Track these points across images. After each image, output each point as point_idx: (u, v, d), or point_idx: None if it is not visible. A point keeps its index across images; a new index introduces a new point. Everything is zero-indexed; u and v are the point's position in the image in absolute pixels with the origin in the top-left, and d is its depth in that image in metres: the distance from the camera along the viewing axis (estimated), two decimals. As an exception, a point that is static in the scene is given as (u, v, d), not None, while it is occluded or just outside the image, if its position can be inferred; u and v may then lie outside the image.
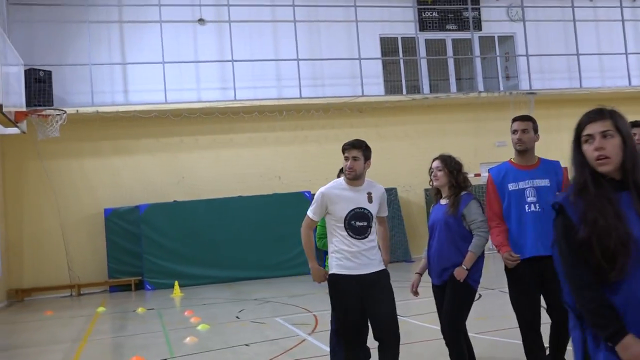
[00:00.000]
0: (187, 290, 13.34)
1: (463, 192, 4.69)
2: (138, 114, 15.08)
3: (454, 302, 4.56)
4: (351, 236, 4.37)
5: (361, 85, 16.80)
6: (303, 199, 14.47)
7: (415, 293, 4.88)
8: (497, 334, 6.59)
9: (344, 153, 4.44)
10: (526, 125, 4.45)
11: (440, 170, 4.72)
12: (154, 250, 14.29)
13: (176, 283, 13.38)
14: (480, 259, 4.62)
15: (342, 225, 4.39)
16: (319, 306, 9.28)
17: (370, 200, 4.46)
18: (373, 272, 4.38)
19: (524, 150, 4.45)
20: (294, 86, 16.43)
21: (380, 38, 17.60)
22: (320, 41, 16.99)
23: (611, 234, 2.19)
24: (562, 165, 4.28)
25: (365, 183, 4.51)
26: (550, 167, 4.47)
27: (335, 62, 16.79)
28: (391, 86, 17.66)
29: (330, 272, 4.47)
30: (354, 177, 4.43)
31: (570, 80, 18.68)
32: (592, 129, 2.34)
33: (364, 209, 4.42)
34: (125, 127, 15.30)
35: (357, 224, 4.39)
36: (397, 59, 17.78)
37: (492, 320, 7.37)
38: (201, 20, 16.20)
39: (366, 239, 4.40)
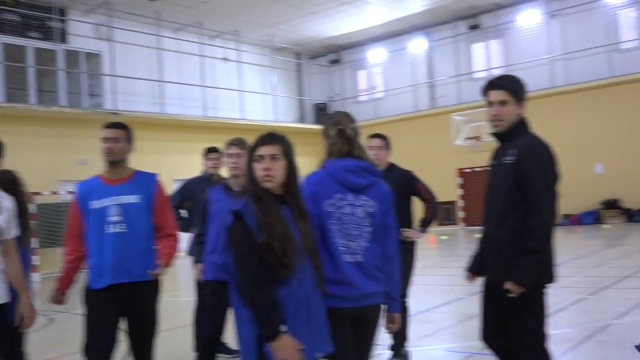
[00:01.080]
0: None
1: None
2: None
3: None
4: None
5: None
6: None
7: None
8: (68, 358, 6.28)
9: None
10: (117, 134, 3.92)
11: None
12: None
13: None
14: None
15: None
16: None
17: None
18: None
19: (114, 161, 3.90)
20: None
21: (-53, 33, 15.41)
22: None
23: (289, 238, 2.56)
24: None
25: None
26: (142, 182, 3.96)
27: None
28: (-42, 89, 15.55)
29: None
30: None
31: (154, 105, 19.45)
32: (263, 150, 2.67)
33: None
34: None
35: None
36: (-32, 60, 15.81)
37: (65, 345, 7.01)
38: None
39: None
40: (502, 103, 3.18)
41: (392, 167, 5.19)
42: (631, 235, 15.90)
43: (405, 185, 5.11)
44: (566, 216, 20.36)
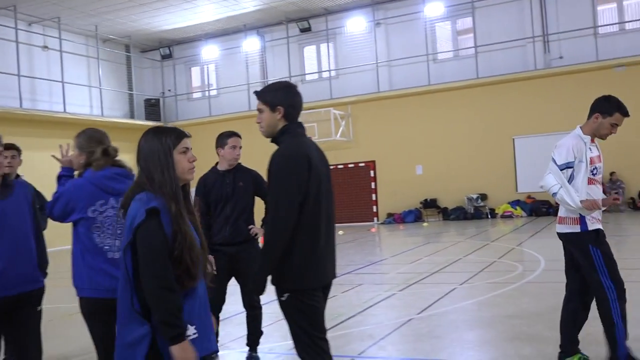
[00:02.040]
0: None
1: None
2: None
3: None
4: None
5: None
6: None
7: None
8: None
9: None
10: None
11: None
12: None
13: None
14: None
15: None
16: None
17: None
18: None
19: None
20: None
21: None
22: None
23: (195, 247, 2.54)
24: None
25: None
26: None
27: None
28: None
29: None
30: None
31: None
32: (188, 143, 2.66)
33: None
34: None
35: None
36: None
37: None
38: None
39: None
40: (260, 111, 3.34)
41: (240, 167, 5.24)
42: (446, 232, 17.14)
43: (255, 185, 5.22)
44: (390, 215, 21.53)
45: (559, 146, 4.36)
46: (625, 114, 4.34)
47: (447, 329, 6.04)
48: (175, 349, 2.44)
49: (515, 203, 19.88)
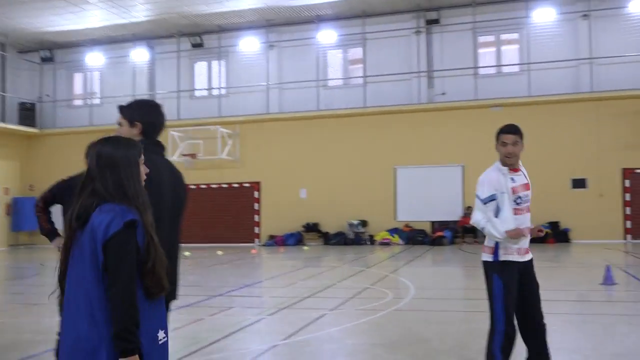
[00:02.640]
0: None
1: None
2: None
3: None
4: None
5: None
6: None
7: None
8: None
9: None
10: None
11: None
12: None
13: None
14: None
15: None
16: None
17: None
18: None
19: None
20: None
21: None
22: None
23: (164, 259, 2.49)
24: None
25: None
26: None
27: None
28: None
29: None
30: None
31: None
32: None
33: None
34: None
35: None
36: None
37: None
38: None
39: None
40: (120, 125, 3.37)
41: None
42: (326, 257, 17.19)
43: None
44: (272, 237, 21.37)
45: (480, 182, 4.41)
46: (504, 131, 4.44)
47: (309, 357, 5.92)
48: None
49: (393, 231, 20.35)
